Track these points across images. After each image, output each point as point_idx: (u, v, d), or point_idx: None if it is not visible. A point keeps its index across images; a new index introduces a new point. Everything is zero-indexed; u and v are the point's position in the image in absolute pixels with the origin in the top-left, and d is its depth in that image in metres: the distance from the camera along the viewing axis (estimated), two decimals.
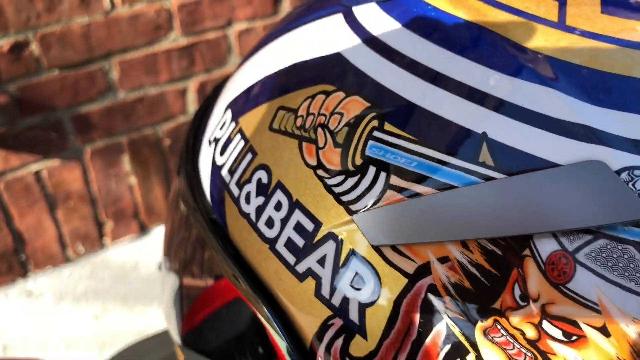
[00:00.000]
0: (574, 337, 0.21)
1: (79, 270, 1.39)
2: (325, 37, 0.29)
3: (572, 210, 0.21)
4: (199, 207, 0.31)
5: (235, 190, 0.29)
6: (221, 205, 0.30)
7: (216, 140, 0.32)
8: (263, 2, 1.40)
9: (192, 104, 1.40)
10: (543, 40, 0.24)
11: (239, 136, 0.30)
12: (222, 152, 0.31)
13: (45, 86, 1.20)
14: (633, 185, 0.21)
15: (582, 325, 0.21)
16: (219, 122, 0.33)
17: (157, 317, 1.30)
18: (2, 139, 1.20)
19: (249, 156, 0.29)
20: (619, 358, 0.20)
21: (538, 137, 0.22)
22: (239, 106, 0.31)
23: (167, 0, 1.27)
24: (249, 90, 0.31)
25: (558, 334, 0.21)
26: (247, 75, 0.32)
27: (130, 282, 1.40)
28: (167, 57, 1.32)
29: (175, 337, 0.38)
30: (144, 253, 1.47)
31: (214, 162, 0.32)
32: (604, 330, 0.21)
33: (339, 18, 0.29)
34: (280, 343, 0.26)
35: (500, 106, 0.23)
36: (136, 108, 1.32)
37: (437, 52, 0.25)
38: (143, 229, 1.47)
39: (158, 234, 1.50)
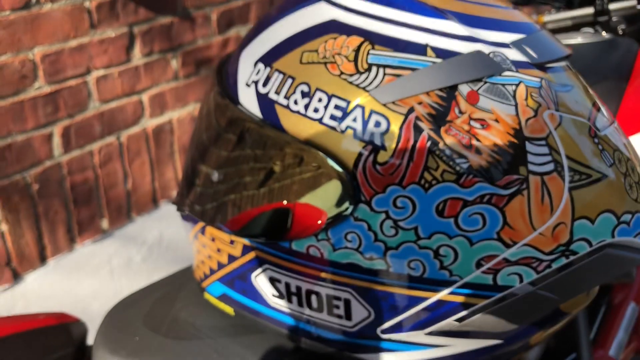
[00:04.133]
0: (485, 125, 0.46)
1: None
2: (319, 13, 0.51)
3: (473, 71, 0.46)
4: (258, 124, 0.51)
5: (283, 101, 0.49)
6: (273, 113, 0.50)
7: (255, 82, 0.52)
8: (117, 51, 1.55)
9: (58, 148, 1.48)
10: (441, 4, 0.50)
11: (277, 73, 0.50)
12: (264, 85, 0.51)
13: None
14: (495, 57, 0.47)
15: (487, 120, 0.46)
16: (251, 72, 0.52)
17: None
18: None
19: (290, 80, 0.49)
20: (507, 132, 0.45)
21: (452, 43, 0.47)
22: (269, 58, 0.51)
23: (30, 51, 1.36)
24: (273, 49, 0.52)
25: (478, 125, 0.46)
26: (263, 43, 0.53)
27: None
28: (32, 105, 1.39)
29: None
30: (18, 302, 1.47)
31: (257, 92, 0.51)
32: (496, 120, 0.46)
33: (323, 4, 0.51)
34: (336, 170, 0.47)
35: (428, 30, 0.48)
36: (5, 155, 1.37)
37: (386, 9, 0.49)
38: (16, 277, 1.48)
39: (32, 280, 1.51)
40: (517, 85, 0.47)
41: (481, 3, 0.52)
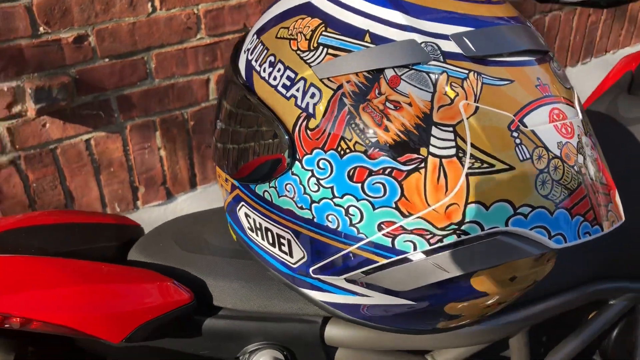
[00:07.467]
0: (398, 107, 0.52)
1: None
2: None
3: (400, 58, 0.52)
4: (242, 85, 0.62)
5: (257, 68, 0.60)
6: (250, 77, 0.61)
7: (248, 49, 0.63)
8: None
9: (213, 93, 1.71)
10: None
11: (260, 45, 0.61)
12: (251, 53, 0.62)
13: (98, 71, 1.52)
14: (425, 47, 0.52)
15: (401, 102, 0.52)
16: (249, 41, 0.63)
17: None
18: (62, 112, 1.51)
19: (266, 51, 0.60)
20: (416, 115, 0.51)
21: (389, 31, 0.53)
22: (260, 31, 0.62)
23: (195, 7, 1.59)
24: (265, 23, 0.62)
25: (391, 106, 0.52)
26: (263, 18, 0.64)
27: None
28: (194, 53, 1.63)
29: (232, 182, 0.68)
30: (169, 216, 1.76)
31: (247, 59, 0.62)
32: (410, 104, 0.51)
33: None
34: (281, 131, 0.56)
35: (373, 17, 0.54)
36: (168, 93, 1.64)
37: None
38: (169, 196, 1.77)
39: (182, 201, 1.80)
40: (439, 74, 0.52)
41: None
